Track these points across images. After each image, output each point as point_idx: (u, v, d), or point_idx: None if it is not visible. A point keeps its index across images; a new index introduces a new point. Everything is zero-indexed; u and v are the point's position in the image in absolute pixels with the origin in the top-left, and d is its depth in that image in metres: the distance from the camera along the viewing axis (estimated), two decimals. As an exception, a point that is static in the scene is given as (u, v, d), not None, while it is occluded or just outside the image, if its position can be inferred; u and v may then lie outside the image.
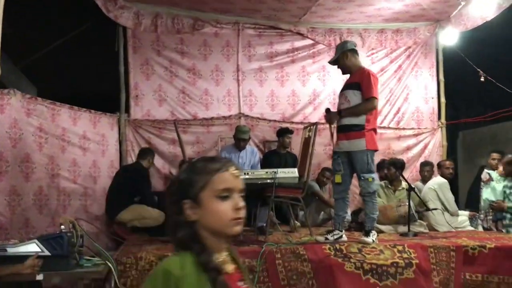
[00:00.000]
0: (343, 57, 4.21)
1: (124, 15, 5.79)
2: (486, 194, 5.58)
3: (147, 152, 5.41)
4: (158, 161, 5.93)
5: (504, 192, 5.43)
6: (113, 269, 3.02)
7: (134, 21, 5.91)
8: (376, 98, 4.06)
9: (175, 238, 1.25)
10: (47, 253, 2.85)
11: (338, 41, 6.49)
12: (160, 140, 6.05)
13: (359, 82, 4.09)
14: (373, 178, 4.10)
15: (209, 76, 6.32)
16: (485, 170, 5.74)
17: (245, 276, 1.34)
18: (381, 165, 5.76)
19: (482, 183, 5.70)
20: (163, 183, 5.93)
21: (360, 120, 4.05)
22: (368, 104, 4.05)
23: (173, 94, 6.20)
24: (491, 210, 5.49)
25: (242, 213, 1.26)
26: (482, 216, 5.58)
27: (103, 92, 6.66)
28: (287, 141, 5.73)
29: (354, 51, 4.22)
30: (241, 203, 1.26)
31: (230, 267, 1.28)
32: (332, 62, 4.36)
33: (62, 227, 2.96)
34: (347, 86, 4.21)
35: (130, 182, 4.91)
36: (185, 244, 1.23)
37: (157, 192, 5.44)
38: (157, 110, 6.13)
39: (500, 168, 5.56)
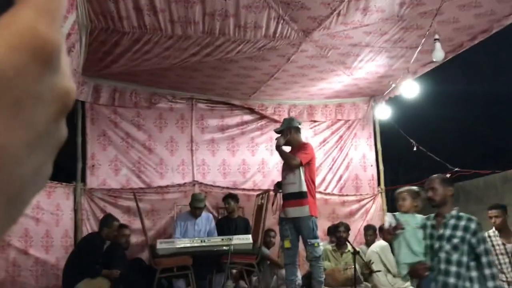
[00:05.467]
0: (287, 132, 4.67)
1: (85, 90, 5.92)
2: None
3: (103, 222, 5.34)
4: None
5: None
6: None
7: (93, 96, 6.07)
8: (300, 162, 4.49)
9: None
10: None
11: (285, 114, 7.07)
12: (115, 208, 6.12)
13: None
14: (318, 243, 4.44)
15: (164, 146, 6.59)
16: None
17: None
18: (332, 230, 6.13)
19: None
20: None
21: (302, 188, 4.45)
22: (292, 160, 4.48)
23: (129, 164, 6.37)
24: None
25: None
26: None
27: (58, 162, 6.70)
28: (229, 206, 5.99)
29: (298, 129, 4.71)
30: None
31: None
32: (277, 131, 4.82)
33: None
34: None
35: (83, 253, 4.92)
36: None
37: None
38: (112, 179, 6.25)
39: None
